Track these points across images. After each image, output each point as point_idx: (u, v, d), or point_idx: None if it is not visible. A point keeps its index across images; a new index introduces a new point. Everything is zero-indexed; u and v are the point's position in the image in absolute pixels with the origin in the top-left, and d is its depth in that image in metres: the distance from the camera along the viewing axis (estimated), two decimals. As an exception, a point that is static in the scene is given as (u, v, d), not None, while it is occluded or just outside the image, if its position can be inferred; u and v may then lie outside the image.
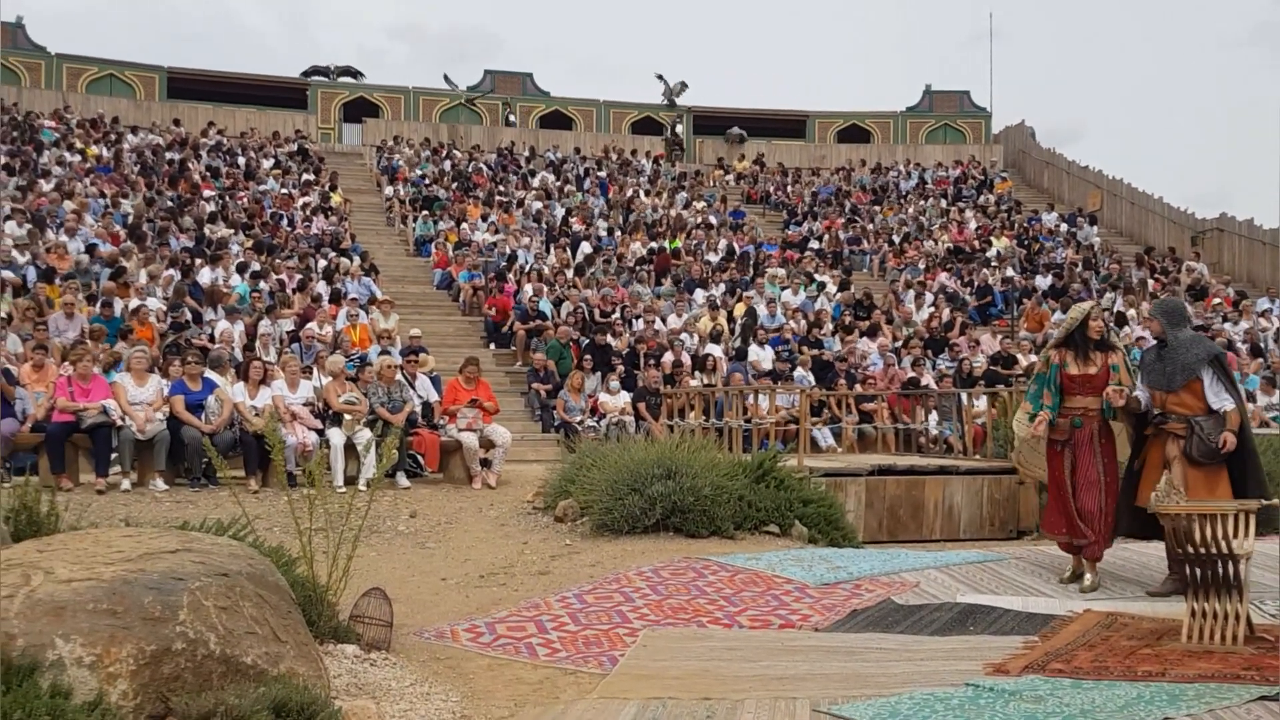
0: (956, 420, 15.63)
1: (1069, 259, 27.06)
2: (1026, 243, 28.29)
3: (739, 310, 21.21)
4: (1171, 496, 5.85)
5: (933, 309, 22.68)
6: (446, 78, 35.61)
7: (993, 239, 28.34)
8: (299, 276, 20.19)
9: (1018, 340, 21.48)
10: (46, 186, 23.05)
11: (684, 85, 37.74)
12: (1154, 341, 7.57)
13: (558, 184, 30.24)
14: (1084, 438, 7.60)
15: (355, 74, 35.80)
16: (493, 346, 19.98)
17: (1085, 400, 7.61)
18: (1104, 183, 32.63)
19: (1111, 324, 8.18)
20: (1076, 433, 7.60)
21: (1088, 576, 7.53)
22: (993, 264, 26.27)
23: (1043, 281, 25.16)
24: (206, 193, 25.10)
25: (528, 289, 21.01)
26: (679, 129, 35.88)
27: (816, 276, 24.20)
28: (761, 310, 21.36)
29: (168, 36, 69.62)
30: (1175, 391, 7.20)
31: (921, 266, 25.81)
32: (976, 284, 25.02)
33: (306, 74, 35.70)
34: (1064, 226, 29.86)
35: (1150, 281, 25.54)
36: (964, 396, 15.73)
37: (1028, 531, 11.93)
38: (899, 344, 20.15)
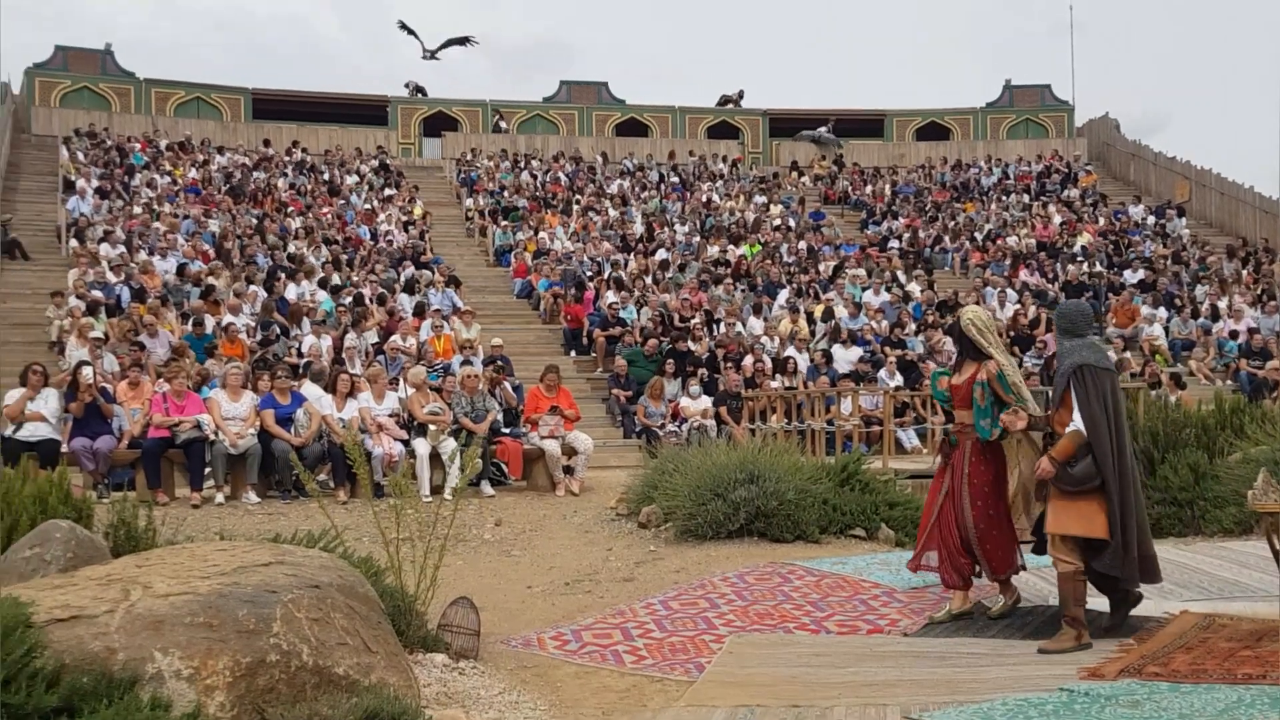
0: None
1: (1158, 253, 26.46)
2: (1113, 237, 27.73)
3: (819, 312, 21.08)
4: (1269, 494, 5.68)
5: (1018, 306, 22.32)
6: (402, 24, 35.23)
7: (1078, 234, 27.81)
8: (382, 290, 20.49)
9: (1107, 336, 21.08)
10: (137, 209, 23.67)
11: (741, 94, 37.71)
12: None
13: (635, 190, 30.33)
14: (957, 459, 6.80)
15: (421, 90, 36.21)
16: (573, 354, 20.09)
17: (960, 414, 6.86)
18: (1192, 173, 31.85)
19: (989, 327, 6.86)
20: (953, 451, 6.85)
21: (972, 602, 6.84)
22: (1079, 259, 25.79)
23: (1132, 276, 24.64)
24: (291, 210, 25.60)
25: (607, 296, 21.08)
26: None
27: (898, 276, 23.97)
28: (842, 312, 21.20)
29: (253, 58, 71.12)
30: (1057, 410, 6.21)
31: (1006, 263, 25.41)
32: (1062, 280, 24.58)
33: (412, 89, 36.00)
34: (1152, 219, 29.22)
35: (1244, 274, 24.89)
36: (1050, 393, 15.43)
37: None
38: (984, 342, 19.83)
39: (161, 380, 12.96)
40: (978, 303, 21.87)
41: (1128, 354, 20.03)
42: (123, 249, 20.83)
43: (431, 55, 33.72)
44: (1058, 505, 6.05)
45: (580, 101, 36.69)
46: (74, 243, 21.50)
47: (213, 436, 11.98)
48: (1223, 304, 22.74)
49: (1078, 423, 5.99)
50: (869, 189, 32.00)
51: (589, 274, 22.71)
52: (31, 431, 11.68)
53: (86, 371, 12.43)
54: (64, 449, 11.85)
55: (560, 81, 37.44)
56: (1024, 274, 24.70)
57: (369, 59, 76.60)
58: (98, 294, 18.06)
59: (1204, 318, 22.24)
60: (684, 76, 74.15)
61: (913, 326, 20.74)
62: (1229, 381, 19.79)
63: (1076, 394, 6.03)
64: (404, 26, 35.39)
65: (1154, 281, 24.07)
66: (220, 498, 11.81)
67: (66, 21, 66.05)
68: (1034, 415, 6.38)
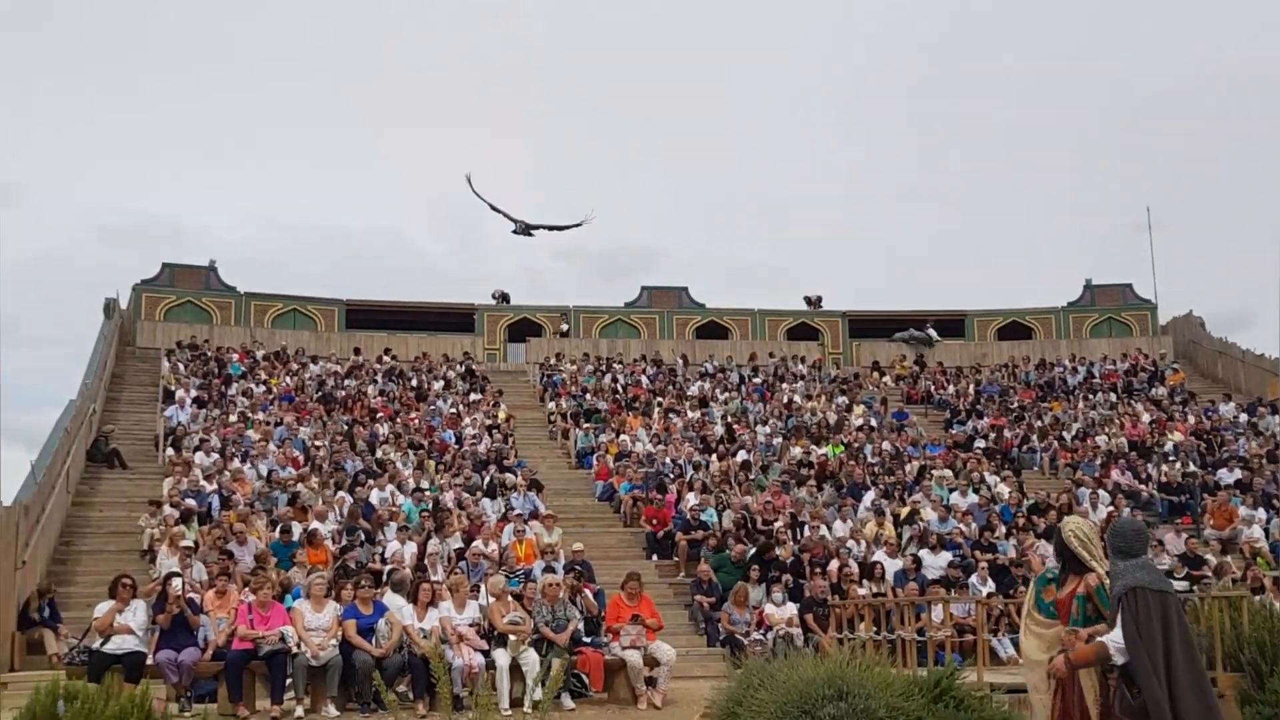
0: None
1: (1252, 451, 25.79)
2: (1205, 435, 27.14)
3: (905, 514, 20.74)
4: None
5: (1110, 507, 21.77)
6: (492, 206, 35.37)
7: (1168, 432, 27.28)
8: (465, 494, 20.67)
9: (1204, 539, 20.42)
10: (232, 417, 24.38)
11: (819, 299, 38.13)
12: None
13: (715, 392, 30.56)
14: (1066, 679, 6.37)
15: (505, 297, 37.25)
16: (655, 558, 19.91)
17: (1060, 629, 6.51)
18: (1282, 369, 31.30)
19: (1093, 539, 6.39)
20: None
21: None
22: (1170, 458, 25.23)
23: (1227, 476, 23.98)
24: (380, 415, 26.17)
25: (689, 498, 21.01)
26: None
27: (986, 476, 23.60)
28: (930, 514, 20.84)
29: (349, 268, 74.11)
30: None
31: (1096, 463, 24.92)
32: (1155, 480, 24.01)
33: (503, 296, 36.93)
34: (1244, 417, 28.60)
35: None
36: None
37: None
38: (1077, 546, 19.29)
39: (247, 590, 13.08)
40: (1071, 506, 21.39)
41: (1227, 558, 19.33)
42: (217, 457, 21.37)
43: (526, 230, 34.32)
44: None
45: (661, 306, 37.44)
46: (170, 451, 22.13)
47: (295, 649, 11.99)
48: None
49: (1113, 637, 5.72)
50: (951, 389, 31.88)
51: (669, 476, 22.71)
52: (119, 644, 11.80)
53: (176, 583, 12.61)
54: (150, 661, 11.94)
55: (641, 286, 38.34)
56: (1115, 474, 24.18)
57: (460, 267, 79.32)
58: (191, 502, 18.45)
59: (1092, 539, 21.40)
60: (763, 280, 75.49)
61: (1003, 529, 20.30)
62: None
63: (1123, 617, 5.76)
64: (494, 208, 36.24)
65: (1250, 481, 23.40)
66: (300, 711, 11.73)
67: (177, 240, 69.76)
68: (1099, 642, 6.01)
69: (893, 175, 79.74)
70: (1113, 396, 30.76)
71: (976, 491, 22.41)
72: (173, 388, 26.17)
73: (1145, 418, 28.49)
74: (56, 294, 71.44)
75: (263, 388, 27.40)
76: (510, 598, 13.60)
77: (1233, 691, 10.77)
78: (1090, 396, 30.90)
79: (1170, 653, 5.66)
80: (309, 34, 74.31)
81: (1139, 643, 5.65)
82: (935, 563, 18.40)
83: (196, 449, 21.82)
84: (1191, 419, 28.49)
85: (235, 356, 29.63)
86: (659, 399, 29.57)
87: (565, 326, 35.90)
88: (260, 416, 24.74)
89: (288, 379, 28.54)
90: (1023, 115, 76.94)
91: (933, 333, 36.41)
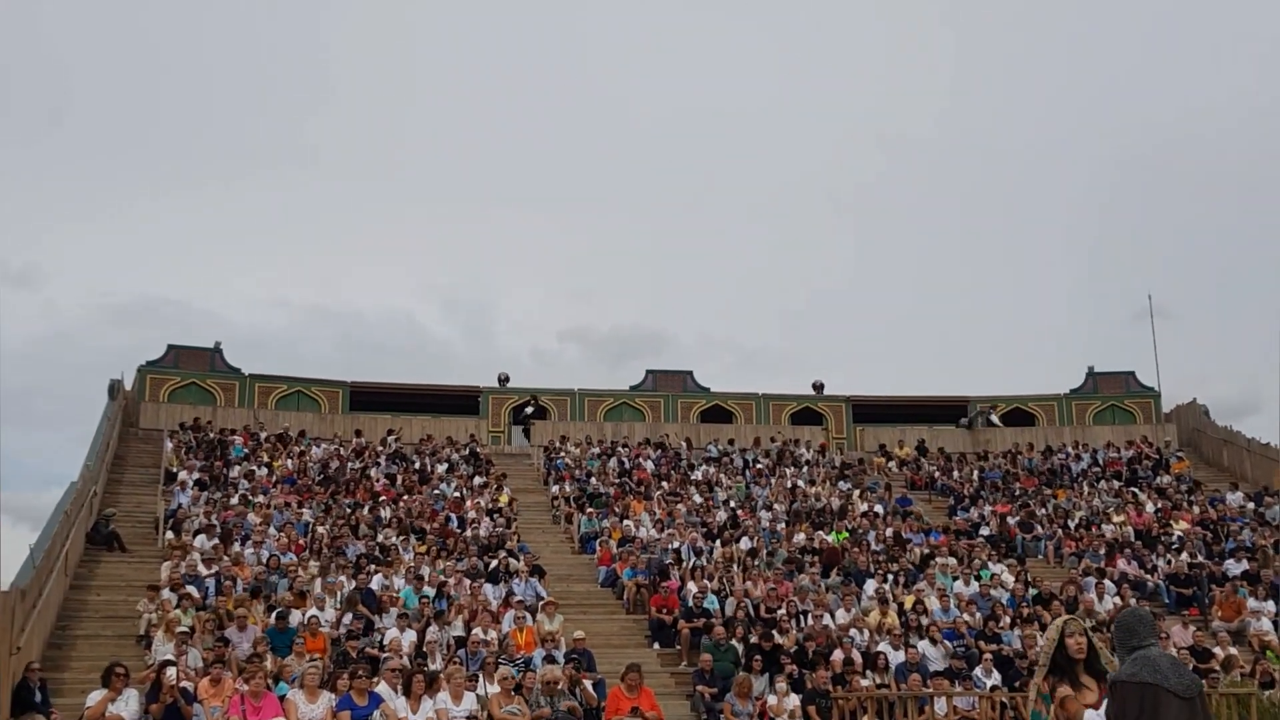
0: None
1: (1259, 541, 25.58)
2: (1211, 525, 26.95)
3: (908, 602, 20.56)
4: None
5: (1116, 598, 21.56)
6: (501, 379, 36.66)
7: (1174, 521, 27.11)
8: (467, 579, 20.53)
9: (1212, 631, 20.19)
10: (234, 499, 24.31)
11: (821, 385, 38.29)
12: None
13: (719, 476, 30.47)
14: None
15: (505, 380, 37.37)
16: (657, 646, 19.70)
17: None
18: (1288, 458, 31.18)
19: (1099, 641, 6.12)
20: None
21: None
22: (1176, 548, 25.03)
23: (1235, 566, 23.76)
24: (383, 499, 26.08)
25: (691, 586, 20.85)
26: (529, 410, 36.04)
27: (989, 565, 23.42)
28: (933, 603, 20.66)
29: (356, 348, 74.41)
30: None
31: (1101, 553, 24.73)
32: (1164, 571, 23.81)
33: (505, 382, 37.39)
34: (1250, 506, 28.43)
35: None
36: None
37: None
38: (1083, 637, 19.08)
39: (241, 679, 12.96)
40: (1076, 597, 21.18)
41: (1234, 650, 19.09)
42: (217, 540, 21.27)
43: (524, 421, 35.67)
44: None
45: (666, 389, 37.51)
46: (170, 535, 22.04)
47: (289, 739, 11.84)
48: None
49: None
50: (955, 474, 31.77)
51: (669, 562, 22.55)
52: (111, 733, 11.66)
53: (170, 672, 12.51)
54: (141, 751, 11.80)
55: (646, 370, 38.45)
56: (1121, 563, 23.98)
57: (468, 350, 79.67)
58: (190, 588, 18.33)
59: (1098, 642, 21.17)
60: (768, 365, 75.75)
61: (1007, 619, 20.09)
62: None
63: (1109, 710, 5.58)
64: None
65: (1258, 572, 23.19)
66: (293, 804, 11.55)
67: (185, 320, 70.21)
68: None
69: (897, 262, 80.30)
70: (1117, 484, 30.62)
71: (979, 580, 22.21)
72: (174, 469, 26.15)
73: (1150, 506, 28.34)
74: (65, 374, 71.84)
75: (265, 470, 27.35)
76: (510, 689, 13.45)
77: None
78: (1094, 484, 30.75)
79: None
80: (320, 119, 75.44)
81: None
82: (934, 654, 18.20)
83: (197, 533, 21.73)
84: (1197, 508, 28.32)
85: (238, 438, 29.63)
86: (663, 483, 29.49)
87: (530, 409, 35.92)
88: (261, 499, 24.67)
89: (289, 461, 28.50)
90: (1025, 200, 77.68)
91: (995, 418, 36.81)
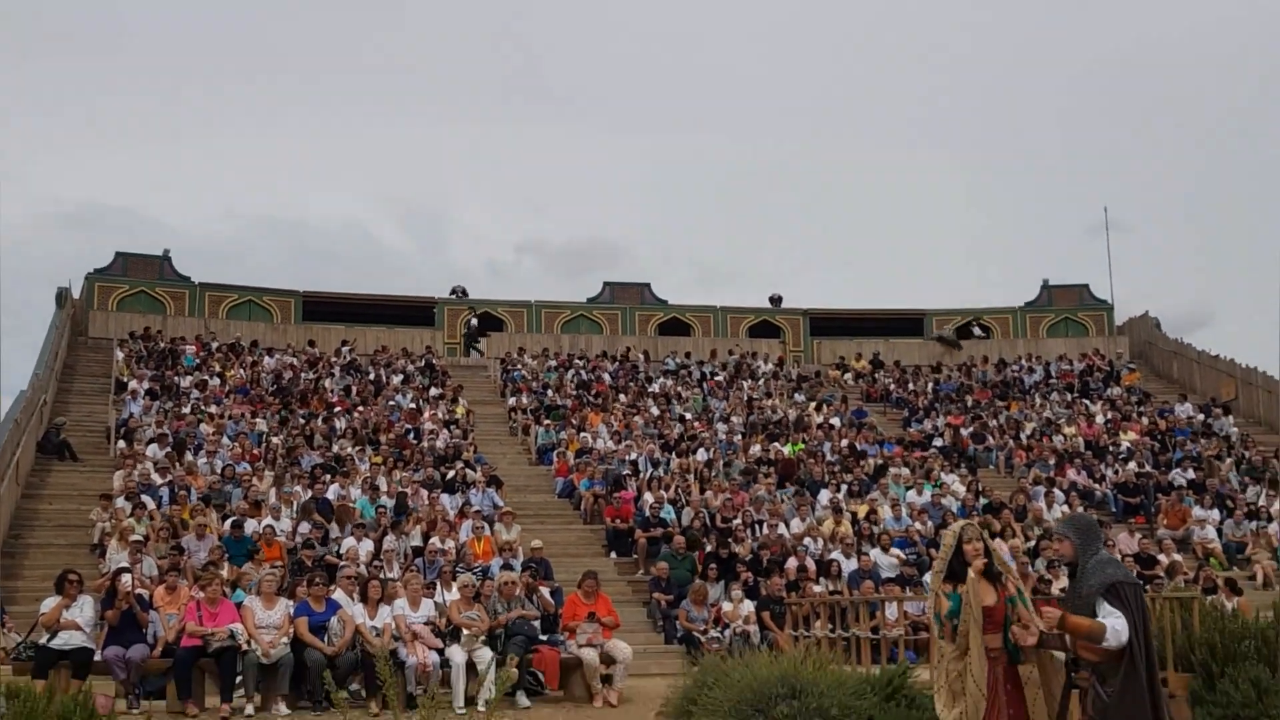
0: (1098, 626, 14.86)
1: (1206, 452, 26.07)
2: (1159, 436, 27.41)
3: (862, 511, 20.82)
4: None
5: (1065, 507, 21.95)
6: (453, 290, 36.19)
7: (1123, 432, 27.54)
8: (424, 490, 20.52)
9: (1158, 539, 20.62)
10: (186, 410, 24.06)
11: (780, 298, 38.33)
12: (1065, 566, 6.11)
13: (677, 389, 30.53)
14: (993, 687, 6.24)
15: (463, 293, 37.07)
16: (614, 555, 19.87)
17: (987, 639, 6.30)
18: (1237, 371, 31.66)
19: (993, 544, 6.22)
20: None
21: None
22: (1125, 458, 25.46)
23: (1181, 476, 24.22)
24: (338, 409, 25.93)
25: (648, 496, 20.97)
26: (473, 322, 36.01)
27: (942, 475, 23.73)
28: (886, 511, 20.94)
29: (308, 259, 73.56)
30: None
31: (1051, 463, 25.12)
32: (1110, 480, 24.24)
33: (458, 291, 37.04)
34: (1198, 417, 28.92)
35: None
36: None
37: (1183, 750, 11.14)
38: (1032, 544, 19.45)
39: (197, 586, 12.92)
40: (1025, 506, 21.54)
41: (1179, 558, 19.53)
42: (170, 450, 21.09)
43: (471, 339, 35.30)
44: None
45: (624, 302, 37.35)
46: (122, 444, 21.83)
47: (245, 646, 11.84)
48: (1276, 505, 22.26)
49: (1114, 619, 5.55)
50: (910, 387, 32.03)
51: (626, 473, 22.65)
52: (66, 640, 11.61)
53: (125, 580, 12.43)
54: (97, 657, 11.76)
55: (604, 283, 38.23)
56: (1070, 473, 24.38)
57: (423, 261, 78.98)
58: (146, 498, 18.19)
59: (1259, 519, 21.73)
60: (726, 278, 75.70)
61: (958, 528, 20.37)
62: (1289, 586, 19.20)
63: (1116, 607, 5.63)
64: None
65: (1204, 481, 23.66)
66: (250, 709, 11.59)
67: (133, 229, 68.88)
68: (1045, 631, 5.96)
69: (855, 176, 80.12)
70: (1069, 396, 31.02)
71: (934, 489, 22.49)
72: (125, 379, 25.82)
73: (1100, 418, 28.76)
74: (12, 282, 70.62)
75: (217, 380, 27.05)
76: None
77: (1184, 692, 10.86)
78: (1047, 396, 31.13)
79: (1148, 646, 5.69)
80: (275, 24, 73.62)
81: (1134, 634, 5.60)
82: (890, 560, 18.48)
83: (150, 442, 21.53)
84: (1146, 419, 28.78)
85: (190, 348, 29.24)
86: (620, 396, 29.51)
87: (474, 320, 35.69)
88: (214, 410, 24.44)
89: (242, 371, 28.21)
90: (982, 117, 77.56)
91: (978, 330, 37.62)
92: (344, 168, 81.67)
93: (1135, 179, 75.34)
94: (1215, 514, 21.93)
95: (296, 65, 76.84)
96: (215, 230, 73.30)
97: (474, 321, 35.66)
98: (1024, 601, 6.19)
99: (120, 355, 27.76)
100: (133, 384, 25.30)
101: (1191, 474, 24.31)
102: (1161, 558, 19.22)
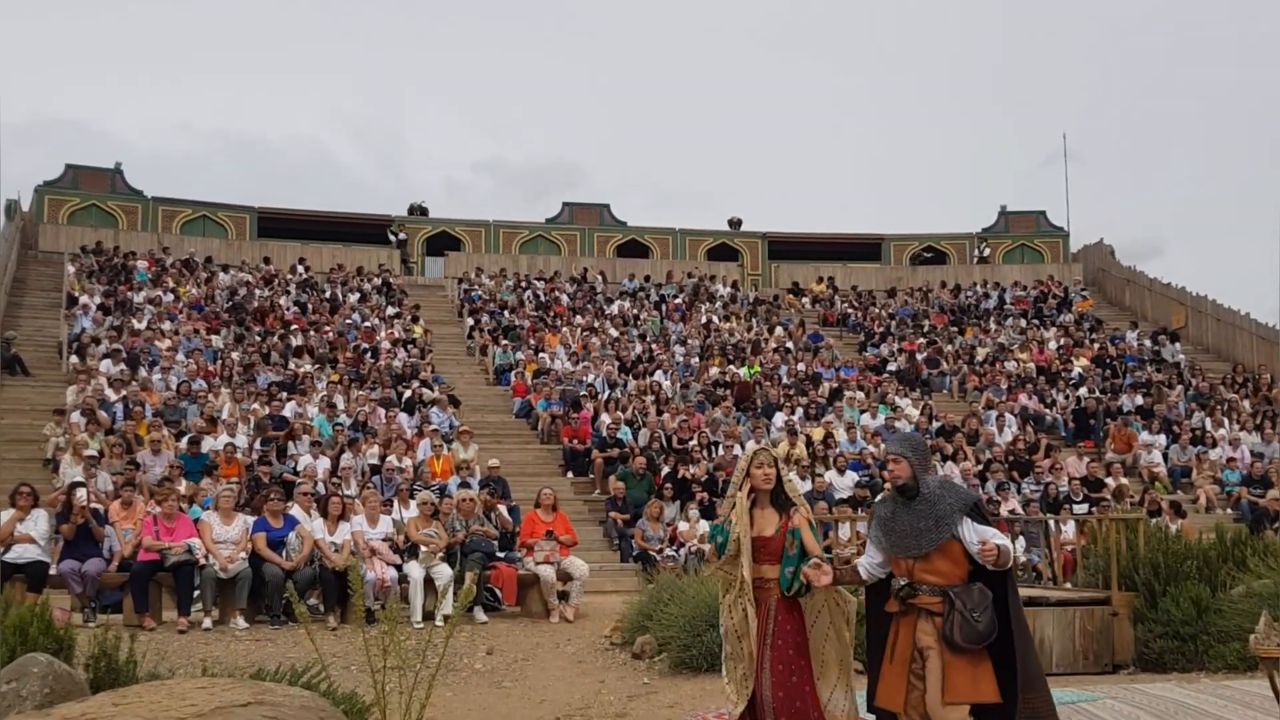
0: (1044, 547, 15.21)
1: (1154, 378, 26.49)
2: (1110, 362, 27.81)
3: (817, 435, 21.04)
4: (1271, 638, 5.59)
5: (1015, 430, 22.29)
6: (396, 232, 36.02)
7: (1075, 358, 27.92)
8: (381, 409, 20.48)
9: (1105, 462, 21.01)
10: (140, 325, 23.78)
11: (739, 221, 38.42)
12: (895, 489, 5.61)
13: (634, 311, 30.54)
14: (762, 619, 5.80)
15: (422, 210, 36.76)
16: (571, 475, 20.00)
17: (761, 569, 5.83)
18: (1187, 299, 32.10)
19: (792, 474, 5.74)
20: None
21: None
22: (1076, 384, 25.83)
23: (1129, 402, 24.63)
24: (294, 327, 25.73)
25: (605, 417, 21.07)
26: (401, 235, 35.95)
27: (896, 399, 23.98)
28: (841, 435, 21.18)
29: (263, 176, 72.44)
30: (926, 556, 5.41)
31: (1003, 387, 25.45)
32: (1060, 405, 24.60)
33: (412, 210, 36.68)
34: (1148, 344, 29.35)
35: (1243, 402, 24.89)
36: (1052, 522, 15.33)
37: (1123, 665, 11.47)
38: (982, 467, 19.78)
39: (153, 501, 12.88)
40: (977, 429, 21.85)
41: (1125, 481, 19.93)
42: (124, 366, 20.88)
43: (400, 246, 35.02)
44: (956, 667, 5.24)
45: (582, 223, 37.17)
46: (75, 359, 21.58)
47: (203, 560, 11.86)
48: (1221, 431, 22.71)
49: (1003, 539, 5.32)
50: (866, 312, 32.22)
51: (584, 394, 22.71)
52: (20, 553, 11.57)
53: (80, 493, 12.36)
54: (53, 571, 11.74)
55: (563, 203, 38.00)
56: (1022, 398, 24.72)
57: (380, 179, 78.03)
58: (102, 413, 18.03)
59: (1204, 445, 22.17)
60: (685, 200, 75.47)
61: (911, 451, 20.63)
62: (1229, 510, 19.67)
63: (986, 527, 5.37)
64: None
65: (1151, 407, 24.07)
66: (208, 622, 11.64)
67: (82, 141, 67.45)
68: (838, 568, 5.73)
69: (815, 101, 79.74)
70: (1023, 322, 31.34)
71: (886, 413, 22.74)
72: (77, 294, 25.45)
73: (1053, 344, 29.11)
74: (-45, 194, 68.82)
75: (171, 296, 26.71)
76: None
77: (1126, 610, 11.17)
78: (1001, 322, 31.43)
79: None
80: (222, -70, 71.59)
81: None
82: (843, 482, 18.73)
83: (104, 357, 21.28)
84: (1097, 346, 29.15)
85: (142, 263, 28.80)
86: (578, 317, 29.48)
87: (403, 235, 35.42)
88: (168, 326, 24.18)
89: (195, 288, 27.86)
90: (943, 42, 77.20)
91: (985, 252, 38.12)
92: (301, 84, 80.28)
93: (1091, 109, 75.56)
94: (1162, 439, 22.35)
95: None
96: (169, 145, 72.04)
97: (402, 235, 35.39)
98: (815, 536, 5.83)
99: (71, 269, 27.33)
100: (84, 298, 24.94)
101: (1140, 400, 24.72)
102: (1109, 481, 19.59)
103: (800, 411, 22.68)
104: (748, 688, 5.79)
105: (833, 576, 5.54)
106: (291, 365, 22.90)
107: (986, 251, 37.65)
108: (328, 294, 29.25)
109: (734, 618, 5.87)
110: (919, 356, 27.88)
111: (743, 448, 20.28)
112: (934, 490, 5.47)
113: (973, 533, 5.34)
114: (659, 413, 21.70)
